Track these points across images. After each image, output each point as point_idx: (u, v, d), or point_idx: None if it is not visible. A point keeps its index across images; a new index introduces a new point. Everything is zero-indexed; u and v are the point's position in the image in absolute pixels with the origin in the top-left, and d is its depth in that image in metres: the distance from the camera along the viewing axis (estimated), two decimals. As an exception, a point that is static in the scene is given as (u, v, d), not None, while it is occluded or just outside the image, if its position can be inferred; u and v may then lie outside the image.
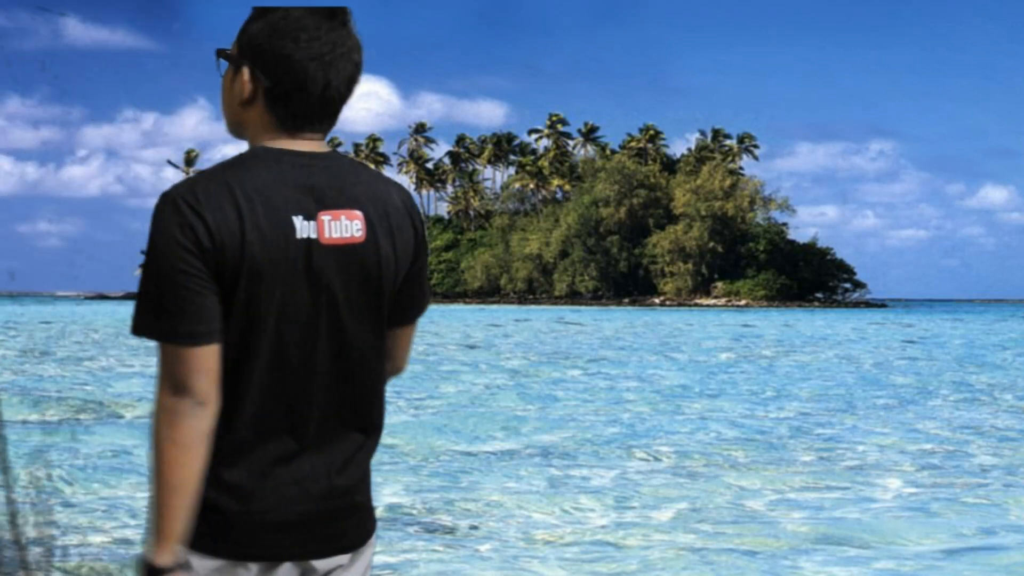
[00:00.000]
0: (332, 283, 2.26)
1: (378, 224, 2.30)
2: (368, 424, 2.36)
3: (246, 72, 2.31)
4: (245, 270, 2.19)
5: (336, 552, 2.31)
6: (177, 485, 2.14)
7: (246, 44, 2.31)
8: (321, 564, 2.30)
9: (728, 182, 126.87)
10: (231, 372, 2.23)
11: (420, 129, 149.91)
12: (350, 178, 2.30)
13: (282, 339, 2.25)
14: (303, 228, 2.23)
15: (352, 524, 2.33)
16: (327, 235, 2.25)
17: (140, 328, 2.18)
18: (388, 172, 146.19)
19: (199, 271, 2.16)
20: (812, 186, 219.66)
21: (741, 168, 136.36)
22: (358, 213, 2.28)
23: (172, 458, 2.14)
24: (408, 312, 2.43)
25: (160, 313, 2.16)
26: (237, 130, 2.38)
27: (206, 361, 2.17)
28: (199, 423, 2.15)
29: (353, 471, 2.33)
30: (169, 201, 2.18)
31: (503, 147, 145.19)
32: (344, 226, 2.26)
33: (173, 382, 2.16)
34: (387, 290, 2.32)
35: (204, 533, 2.22)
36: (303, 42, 2.27)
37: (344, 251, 2.26)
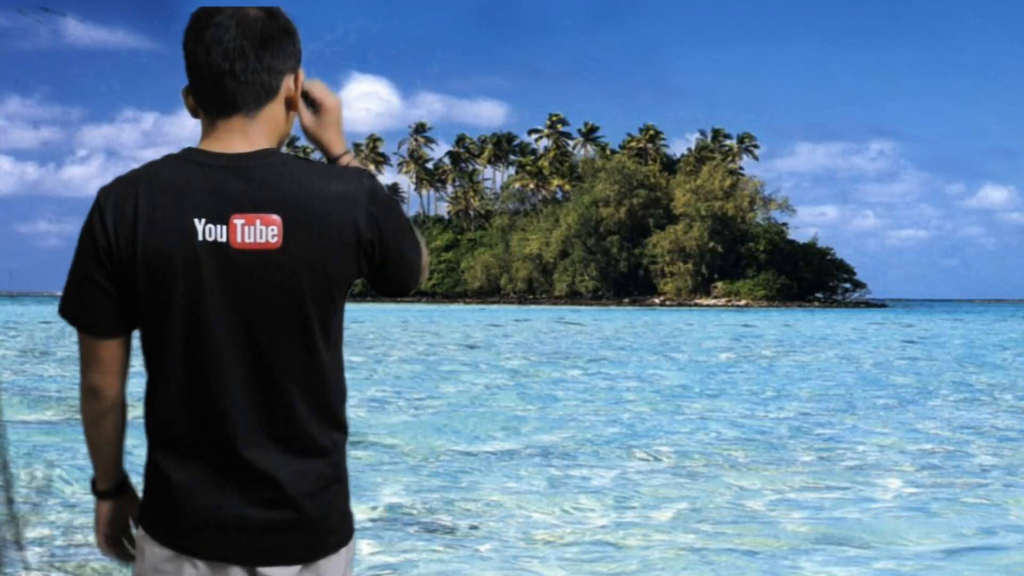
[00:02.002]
0: (243, 290, 2.20)
1: (299, 229, 2.19)
2: (300, 446, 2.26)
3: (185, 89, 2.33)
4: (140, 270, 2.21)
5: (281, 563, 2.26)
6: (93, 445, 2.44)
7: None
8: (271, 572, 2.26)
9: (728, 182, 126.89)
10: (152, 371, 2.30)
11: (420, 129, 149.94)
12: (273, 180, 2.21)
13: (191, 345, 2.23)
14: (209, 231, 2.18)
15: (299, 538, 2.27)
16: (239, 239, 2.18)
17: (60, 310, 2.34)
18: (388, 172, 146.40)
19: (98, 271, 2.24)
20: (812, 186, 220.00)
21: (741, 168, 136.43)
22: (275, 218, 2.19)
23: (85, 427, 2.43)
24: (395, 283, 2.36)
25: (70, 300, 2.30)
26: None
27: (103, 353, 2.31)
28: (96, 406, 2.37)
29: (296, 488, 2.25)
30: (95, 200, 2.27)
31: (503, 147, 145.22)
32: (258, 231, 2.19)
33: (81, 367, 2.37)
34: (312, 299, 2.23)
35: (155, 521, 2.28)
36: (195, 32, 2.24)
37: (257, 256, 2.19)
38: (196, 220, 2.18)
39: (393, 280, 2.34)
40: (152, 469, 2.31)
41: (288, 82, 2.29)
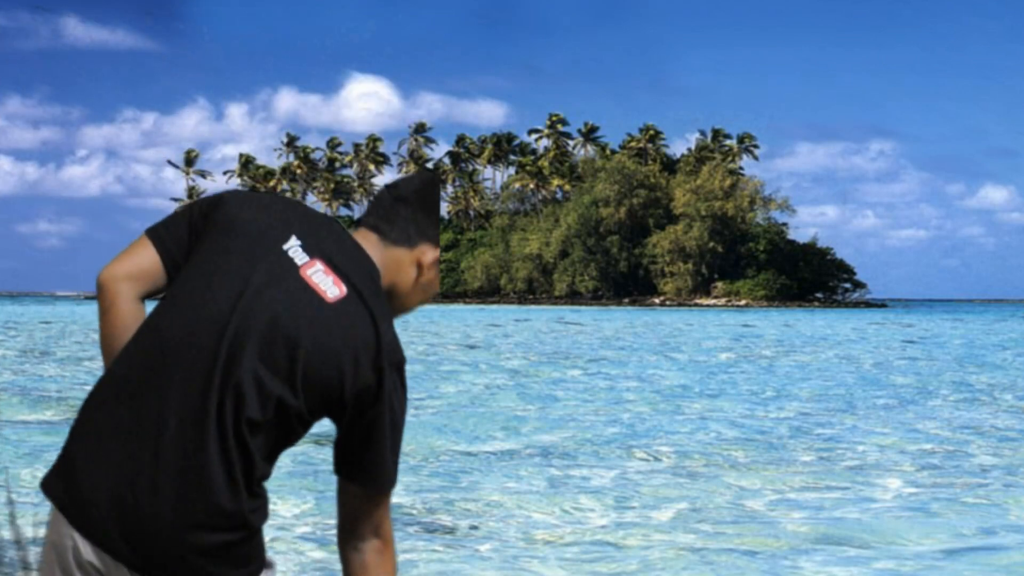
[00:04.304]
0: (274, 298, 2.32)
1: (350, 311, 2.35)
2: (206, 513, 2.26)
3: None
4: (221, 230, 2.39)
5: (136, 570, 2.27)
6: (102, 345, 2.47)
7: None
8: None
9: (728, 182, 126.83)
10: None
11: (420, 129, 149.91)
12: (367, 271, 2.43)
13: (203, 297, 2.33)
14: (296, 251, 2.37)
15: (162, 561, 2.27)
16: (307, 274, 2.35)
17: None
18: (388, 172, 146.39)
19: (195, 214, 2.44)
20: (812, 186, 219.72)
21: (741, 168, 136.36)
22: (345, 288, 2.37)
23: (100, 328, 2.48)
24: (354, 467, 2.41)
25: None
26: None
27: (143, 252, 2.42)
28: (100, 302, 2.42)
29: (188, 524, 2.26)
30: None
31: (503, 147, 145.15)
32: (326, 281, 2.36)
33: (113, 260, 2.47)
34: (305, 368, 2.30)
35: (52, 475, 2.34)
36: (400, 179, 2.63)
37: (309, 293, 2.34)
38: (295, 236, 2.39)
39: (353, 455, 2.41)
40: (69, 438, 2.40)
41: (426, 247, 2.54)
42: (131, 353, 2.34)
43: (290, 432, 2.35)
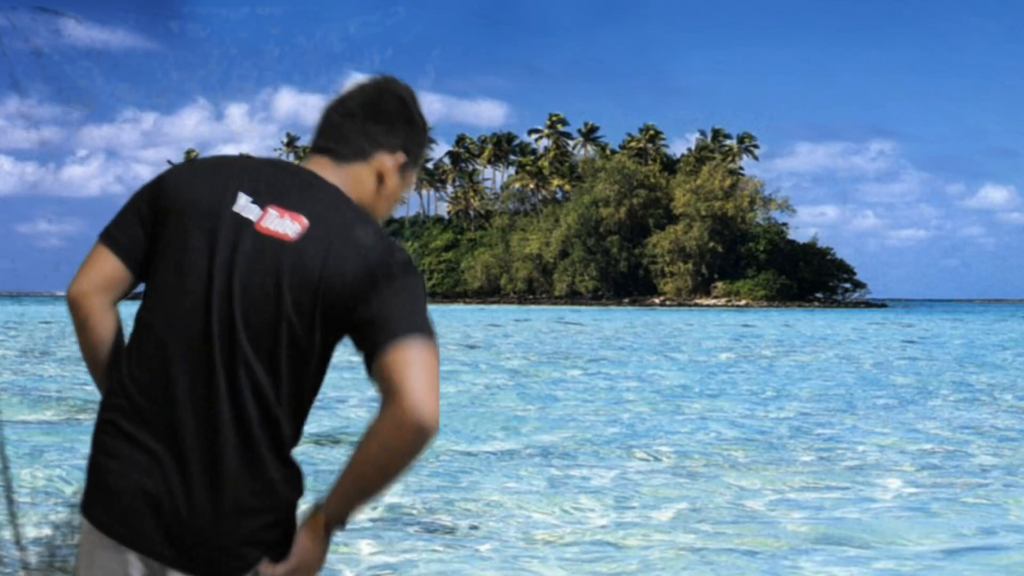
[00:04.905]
0: (242, 264, 2.33)
1: (318, 238, 2.33)
2: (240, 496, 2.30)
3: None
4: (174, 213, 2.39)
5: (183, 570, 2.30)
6: (85, 360, 2.56)
7: None
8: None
9: (728, 182, 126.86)
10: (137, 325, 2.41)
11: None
12: (322, 196, 2.40)
13: (177, 285, 2.36)
14: (246, 208, 2.37)
15: (207, 555, 2.30)
16: (264, 224, 2.36)
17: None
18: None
19: (143, 205, 2.43)
20: (812, 186, 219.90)
21: (741, 168, 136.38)
22: (304, 219, 2.36)
23: (78, 342, 2.54)
24: (367, 340, 2.30)
25: (111, 221, 2.47)
26: None
27: (104, 263, 2.42)
28: (75, 318, 2.47)
29: (226, 512, 2.30)
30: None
31: (503, 147, 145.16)
32: (284, 223, 2.36)
33: (76, 274, 2.48)
34: (294, 299, 2.31)
35: (88, 499, 2.39)
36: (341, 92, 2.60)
37: (269, 242, 2.34)
38: (243, 193, 2.38)
39: (364, 334, 2.32)
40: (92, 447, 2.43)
41: (384, 156, 2.51)
42: (133, 358, 2.37)
43: (303, 375, 2.35)
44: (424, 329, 2.27)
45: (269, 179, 2.41)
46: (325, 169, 2.48)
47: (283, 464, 2.33)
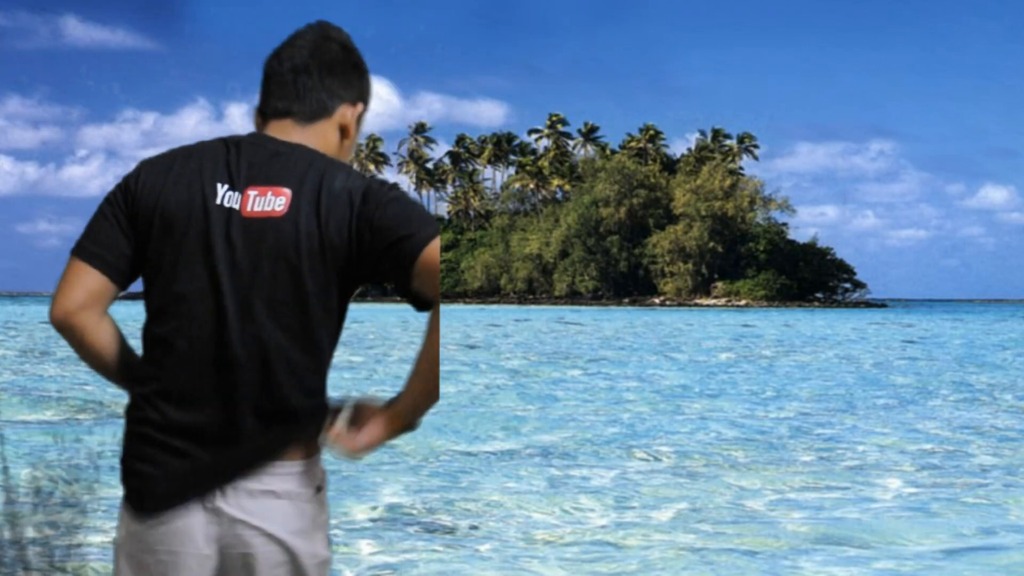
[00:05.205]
0: (243, 253, 2.33)
1: (305, 202, 2.34)
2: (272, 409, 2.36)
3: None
4: (157, 221, 2.36)
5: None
6: (93, 367, 2.56)
7: None
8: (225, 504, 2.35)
9: (728, 182, 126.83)
10: (150, 322, 2.40)
11: (420, 129, 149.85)
12: (292, 160, 2.38)
13: (183, 295, 2.35)
14: (227, 197, 2.35)
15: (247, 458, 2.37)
16: (249, 208, 2.35)
17: (73, 249, 2.43)
18: (388, 172, 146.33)
19: (118, 211, 2.40)
20: (812, 186, 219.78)
21: (741, 168, 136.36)
22: (285, 190, 2.35)
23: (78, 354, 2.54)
24: (399, 256, 2.35)
25: (84, 233, 2.43)
26: None
27: (88, 280, 2.39)
28: (69, 340, 2.47)
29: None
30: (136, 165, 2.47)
31: (503, 147, 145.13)
32: (268, 201, 2.35)
33: (54, 294, 2.43)
34: (308, 267, 2.34)
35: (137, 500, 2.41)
36: (277, 49, 2.51)
37: (261, 223, 2.34)
38: (219, 183, 2.36)
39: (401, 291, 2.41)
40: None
41: (345, 110, 2.48)
42: (155, 374, 2.37)
43: (334, 336, 2.41)
44: (435, 226, 2.38)
45: (237, 161, 2.38)
46: (289, 132, 2.43)
47: (313, 412, 2.40)
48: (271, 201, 2.34)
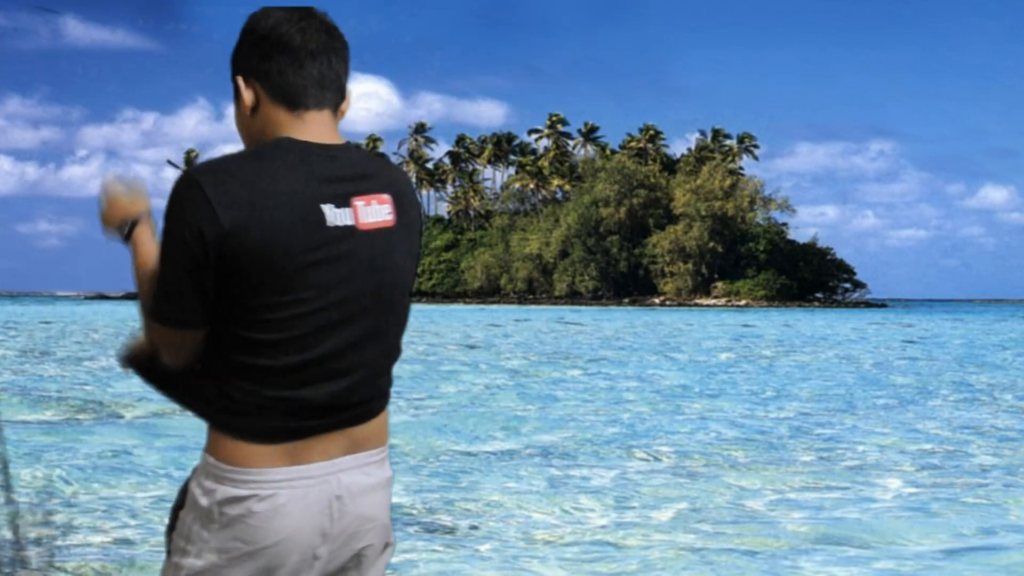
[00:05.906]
0: (371, 269, 2.29)
1: (401, 204, 2.34)
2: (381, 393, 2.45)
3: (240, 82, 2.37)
4: (255, 256, 2.16)
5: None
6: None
7: (234, 60, 2.39)
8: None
9: (728, 182, 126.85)
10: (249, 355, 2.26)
11: (420, 129, 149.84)
12: (372, 165, 2.32)
13: (325, 357, 2.28)
14: (335, 215, 2.22)
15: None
16: (363, 220, 2.26)
17: (153, 312, 2.25)
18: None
19: (201, 265, 2.17)
20: (812, 186, 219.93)
21: (741, 168, 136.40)
22: (384, 196, 2.30)
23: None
24: None
25: (167, 299, 2.23)
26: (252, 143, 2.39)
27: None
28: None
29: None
30: (187, 186, 2.18)
31: (503, 147, 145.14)
32: (376, 210, 2.27)
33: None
34: (412, 272, 2.40)
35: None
36: (287, 22, 2.30)
37: (377, 236, 2.28)
38: (321, 204, 2.21)
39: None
40: None
41: (349, 91, 2.40)
42: (275, 429, 2.30)
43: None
44: None
45: (327, 173, 2.22)
46: (331, 125, 2.31)
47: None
48: (379, 210, 2.27)
